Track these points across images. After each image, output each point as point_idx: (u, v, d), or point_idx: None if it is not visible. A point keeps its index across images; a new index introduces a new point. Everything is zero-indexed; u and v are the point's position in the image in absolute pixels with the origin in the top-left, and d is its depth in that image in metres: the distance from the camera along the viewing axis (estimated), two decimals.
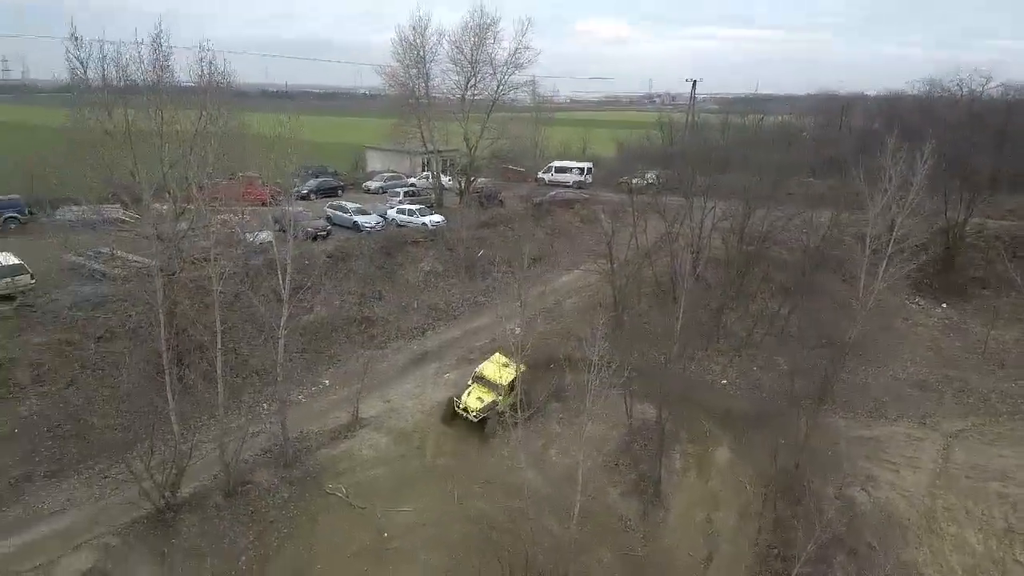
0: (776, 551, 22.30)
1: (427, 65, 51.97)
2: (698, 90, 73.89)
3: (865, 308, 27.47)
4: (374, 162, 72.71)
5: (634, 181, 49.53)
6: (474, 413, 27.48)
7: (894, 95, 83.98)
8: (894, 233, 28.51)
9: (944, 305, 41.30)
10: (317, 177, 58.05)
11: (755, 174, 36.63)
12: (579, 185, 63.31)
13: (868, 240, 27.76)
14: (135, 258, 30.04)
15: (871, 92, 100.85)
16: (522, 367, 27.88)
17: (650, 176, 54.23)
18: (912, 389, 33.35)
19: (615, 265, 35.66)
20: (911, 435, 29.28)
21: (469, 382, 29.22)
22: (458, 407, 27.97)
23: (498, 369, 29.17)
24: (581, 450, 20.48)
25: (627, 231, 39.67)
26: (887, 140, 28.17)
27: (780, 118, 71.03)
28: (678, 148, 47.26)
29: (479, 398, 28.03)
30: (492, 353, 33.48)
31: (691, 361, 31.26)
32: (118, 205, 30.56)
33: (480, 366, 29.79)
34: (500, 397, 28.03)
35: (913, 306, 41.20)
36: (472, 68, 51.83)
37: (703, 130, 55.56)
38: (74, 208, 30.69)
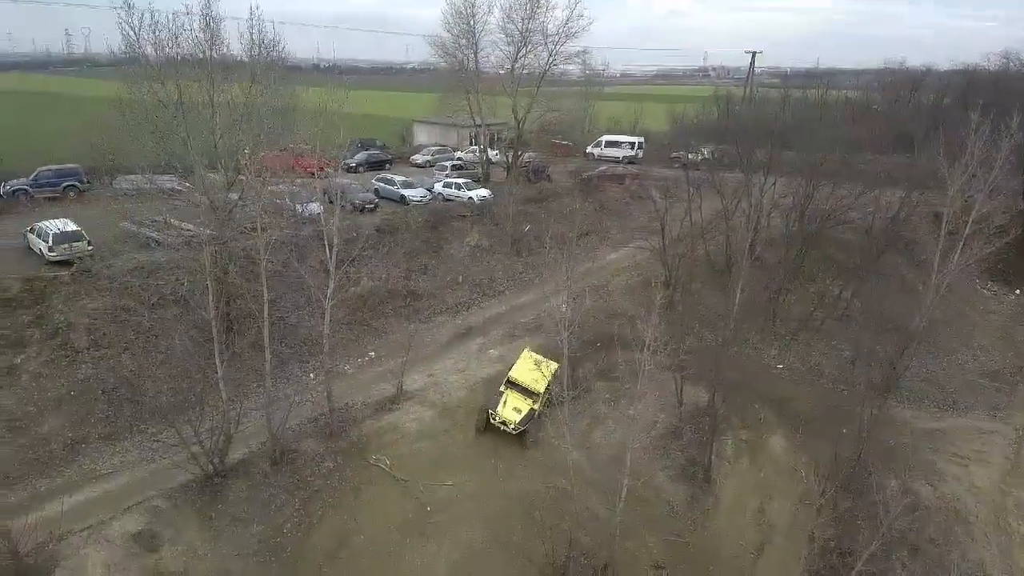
0: (834, 545, 21.29)
1: (477, 36, 50.92)
2: (756, 63, 71.02)
3: (938, 293, 25.88)
4: (421, 136, 72.41)
5: (689, 156, 47.87)
6: (513, 426, 25.56)
7: (968, 69, 78.92)
8: (973, 214, 26.70)
9: (1018, 291, 38.92)
10: (366, 150, 58.02)
11: (819, 150, 34.73)
12: (629, 160, 61.72)
13: (945, 220, 26.00)
14: (187, 226, 30.40)
15: (941, 66, 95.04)
16: (555, 365, 26.80)
17: (705, 151, 52.39)
18: (982, 379, 31.60)
19: (667, 243, 34.51)
20: (981, 428, 27.78)
21: (501, 388, 27.01)
22: (494, 420, 25.82)
23: (531, 371, 27.04)
24: (631, 432, 19.78)
25: (679, 208, 38.36)
26: (970, 115, 26.22)
27: (845, 93, 67.65)
28: (735, 122, 45.21)
29: (516, 408, 25.93)
30: (536, 332, 32.90)
31: (745, 344, 30.10)
32: (173, 175, 30.97)
33: (511, 370, 27.63)
34: (536, 405, 26.23)
35: (985, 292, 38.93)
36: (523, 38, 50.55)
37: (763, 104, 53.25)
38: (130, 177, 31.28)
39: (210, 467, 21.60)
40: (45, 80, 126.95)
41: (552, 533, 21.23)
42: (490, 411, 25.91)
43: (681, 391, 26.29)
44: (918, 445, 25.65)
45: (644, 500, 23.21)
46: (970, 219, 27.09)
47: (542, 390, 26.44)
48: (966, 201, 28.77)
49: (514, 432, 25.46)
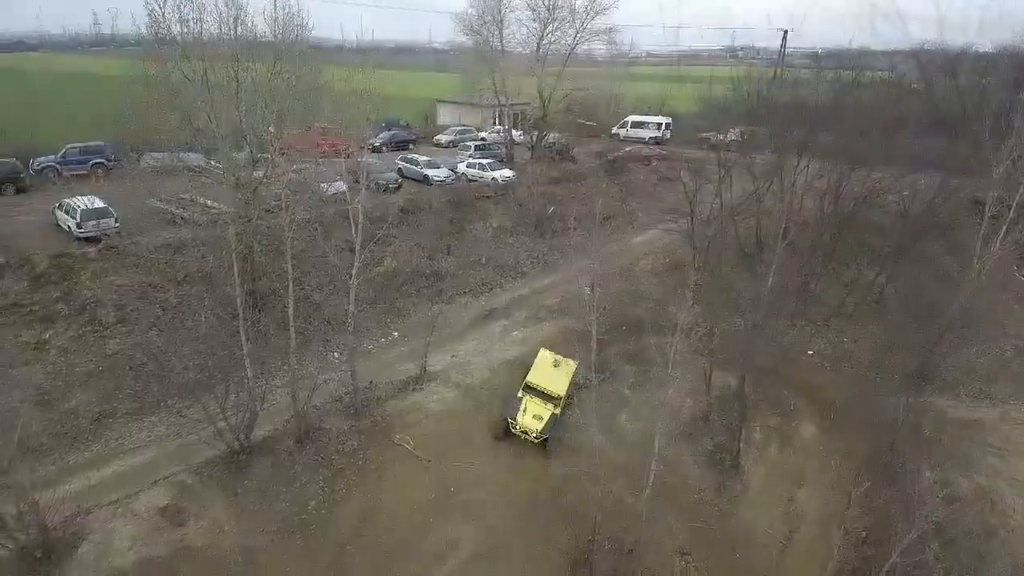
0: (866, 535, 20.78)
1: (502, 12, 50.14)
2: (787, 43, 69.15)
3: (978, 278, 25.01)
4: (445, 116, 71.89)
5: (719, 137, 46.78)
6: (535, 435, 24.49)
7: (1011, 50, 75.98)
8: (1017, 197, 25.71)
9: None
10: (389, 130, 57.72)
11: (854, 131, 33.59)
12: (656, 141, 60.73)
13: (989, 203, 25.01)
14: (213, 204, 30.39)
15: (983, 47, 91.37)
16: (574, 364, 26.32)
17: (734, 133, 51.20)
18: (1020, 369, 30.52)
19: (696, 225, 33.79)
20: (1018, 418, 26.92)
21: (520, 394, 25.65)
22: (515, 428, 24.70)
23: (550, 373, 26.09)
24: (659, 417, 19.40)
25: (708, 189, 37.46)
26: (1020, 95, 25.13)
27: (880, 73, 65.63)
28: (767, 103, 43.99)
29: (537, 416, 24.82)
30: (560, 314, 32.49)
31: (776, 329, 29.36)
32: (200, 153, 30.99)
33: (529, 374, 26.40)
34: (557, 409, 25.22)
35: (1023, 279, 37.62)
36: (550, 14, 49.73)
37: (794, 85, 51.72)
38: (156, 155, 31.35)
39: (236, 443, 21.68)
40: (73, 60, 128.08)
41: (576, 516, 21.04)
42: (509, 420, 24.81)
43: (710, 376, 25.79)
44: (954, 435, 24.91)
45: (670, 486, 22.85)
46: (1014, 203, 26.12)
47: (563, 394, 25.40)
48: (1008, 183, 27.75)
49: (536, 441, 24.48)
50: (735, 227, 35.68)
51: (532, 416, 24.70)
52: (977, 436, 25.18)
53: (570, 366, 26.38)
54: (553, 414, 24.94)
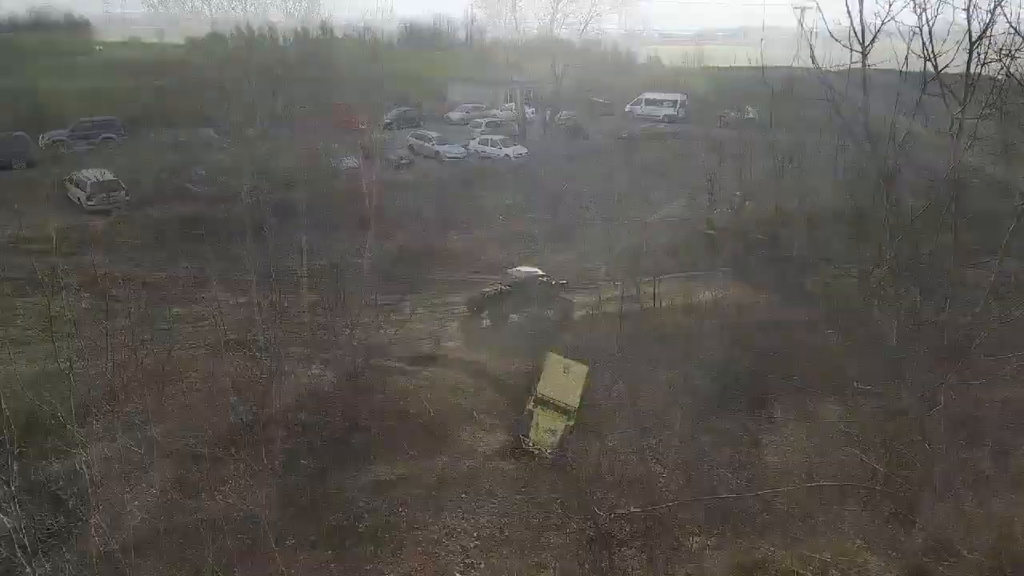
0: (891, 515, 20.30)
1: None
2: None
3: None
4: (456, 93, 71.16)
5: (732, 115, 45.99)
6: (549, 451, 22.71)
7: None
8: None
9: None
10: (399, 107, 57.21)
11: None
12: (671, 119, 59.87)
13: None
14: (225, 178, 30.23)
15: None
16: (585, 368, 24.54)
17: (751, 112, 50.30)
18: None
19: (714, 202, 33.21)
20: None
21: (531, 406, 23.69)
22: (527, 446, 23.05)
23: (561, 380, 23.90)
24: (679, 392, 19.00)
25: (726, 167, 36.72)
26: None
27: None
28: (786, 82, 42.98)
29: (550, 430, 22.95)
30: (576, 292, 32.02)
31: (795, 305, 28.75)
32: (212, 128, 30.87)
33: (539, 383, 24.05)
34: (571, 421, 23.28)
35: None
36: None
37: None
38: (168, 129, 31.24)
39: (249, 416, 21.50)
40: (85, 42, 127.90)
41: (593, 492, 20.72)
42: (522, 437, 23.15)
43: (730, 352, 25.28)
44: (985, 415, 24.22)
45: (688, 463, 22.50)
46: None
47: (576, 404, 23.55)
48: None
49: (550, 456, 22.79)
50: (755, 204, 35.02)
51: (545, 431, 23.04)
52: (1010, 417, 24.42)
53: (581, 371, 24.37)
54: (568, 426, 23.22)
